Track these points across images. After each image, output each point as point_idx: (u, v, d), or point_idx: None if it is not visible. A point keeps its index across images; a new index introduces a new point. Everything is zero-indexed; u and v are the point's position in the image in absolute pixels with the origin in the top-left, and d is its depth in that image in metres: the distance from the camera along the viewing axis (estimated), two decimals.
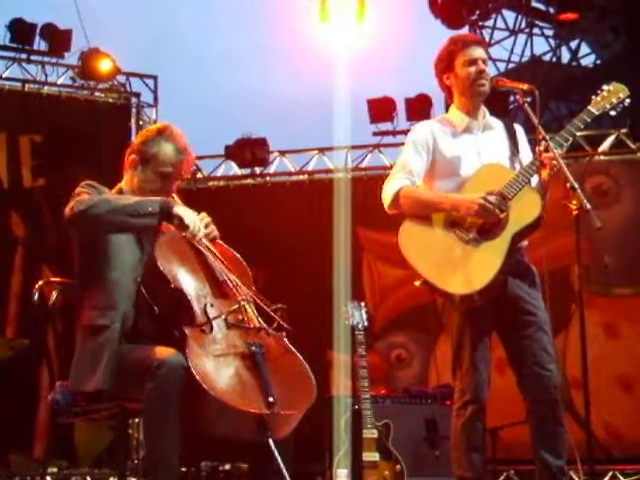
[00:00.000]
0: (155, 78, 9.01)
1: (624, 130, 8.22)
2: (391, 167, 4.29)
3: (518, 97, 3.87)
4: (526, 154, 4.01)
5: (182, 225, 3.39)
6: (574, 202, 3.59)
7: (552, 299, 3.78)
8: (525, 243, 3.90)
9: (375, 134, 8.84)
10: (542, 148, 3.70)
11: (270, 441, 3.15)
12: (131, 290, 3.49)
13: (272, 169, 9.00)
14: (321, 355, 7.59)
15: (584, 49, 12.27)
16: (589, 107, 3.87)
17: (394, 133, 8.77)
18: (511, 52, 12.25)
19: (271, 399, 3.19)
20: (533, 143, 3.89)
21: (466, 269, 3.72)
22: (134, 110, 8.85)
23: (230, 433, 3.26)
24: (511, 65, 12.29)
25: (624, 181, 7.99)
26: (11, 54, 8.45)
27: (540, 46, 12.14)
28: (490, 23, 12.25)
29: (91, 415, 3.61)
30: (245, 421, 3.15)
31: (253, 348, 3.33)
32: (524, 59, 12.07)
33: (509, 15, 12.35)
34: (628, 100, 3.89)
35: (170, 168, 3.60)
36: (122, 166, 3.71)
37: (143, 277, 3.50)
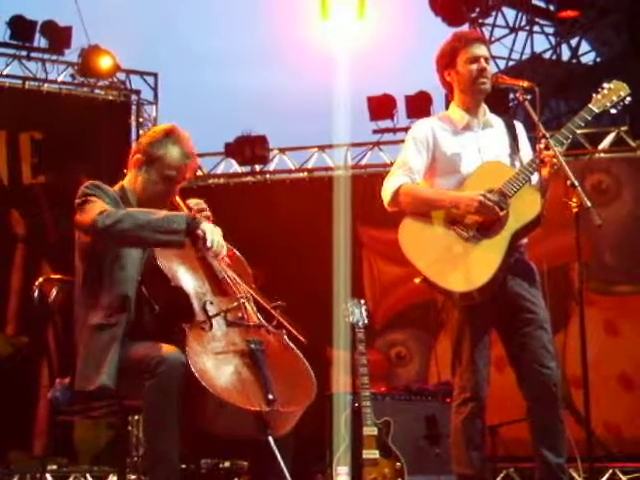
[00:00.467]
0: (155, 75, 9.01)
1: (624, 128, 8.21)
2: (391, 165, 4.29)
3: (518, 94, 3.87)
4: (526, 152, 4.01)
5: (205, 246, 3.37)
6: (574, 200, 3.59)
7: (552, 297, 3.77)
8: (525, 241, 3.90)
9: (375, 131, 8.83)
10: (542, 146, 3.70)
11: (270, 438, 3.16)
12: (134, 288, 3.49)
13: (272, 167, 9.00)
14: (321, 352, 7.59)
15: (584, 47, 12.28)
16: (589, 105, 3.87)
17: (394, 130, 8.76)
18: (511, 50, 12.23)
19: (271, 396, 3.19)
20: (533, 141, 3.89)
21: (466, 266, 3.72)
22: (134, 107, 8.86)
23: (230, 430, 3.27)
24: (511, 63, 12.28)
25: (624, 179, 7.98)
26: (11, 51, 8.45)
27: (540, 44, 12.13)
28: (490, 20, 12.23)
29: (91, 412, 3.62)
30: (245, 418, 3.16)
31: (253, 346, 3.34)
32: (524, 57, 12.05)
33: (509, 12, 12.34)
34: (629, 98, 3.89)
35: (174, 172, 3.58)
36: (122, 163, 3.71)
37: (143, 275, 3.51)
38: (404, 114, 8.64)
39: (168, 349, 3.24)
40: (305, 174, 8.93)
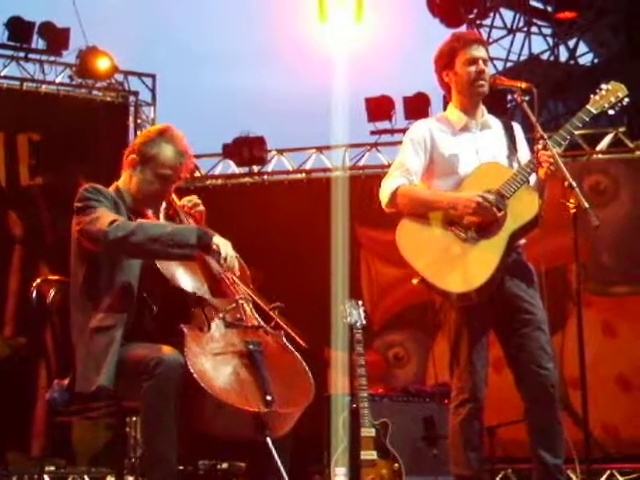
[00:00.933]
0: (153, 77, 9.01)
1: (622, 129, 8.23)
2: (389, 166, 4.29)
3: (516, 95, 3.86)
4: (524, 153, 4.00)
5: (219, 260, 3.38)
6: (572, 201, 3.59)
7: (549, 298, 3.78)
8: (523, 241, 3.90)
9: (373, 133, 8.84)
10: (540, 147, 3.70)
11: (268, 439, 3.16)
12: (133, 290, 3.49)
13: (270, 168, 9.00)
14: (319, 353, 7.59)
15: (582, 48, 12.27)
16: (587, 106, 3.86)
17: (392, 132, 8.77)
18: (509, 51, 12.24)
19: (269, 397, 3.19)
20: (531, 142, 3.89)
21: (464, 267, 3.72)
22: (132, 109, 8.86)
23: (228, 431, 3.27)
24: (509, 64, 12.28)
25: (622, 180, 7.99)
26: (9, 52, 8.46)
27: (538, 45, 12.13)
28: (488, 22, 12.24)
29: (89, 413, 3.61)
30: (243, 419, 3.16)
31: (251, 346, 3.34)
32: (522, 58, 12.05)
33: (507, 14, 12.36)
34: (627, 99, 3.89)
35: (169, 171, 3.59)
36: (120, 165, 3.70)
37: (142, 276, 3.51)
38: (402, 115, 8.67)
39: (166, 350, 3.24)
40: (303, 175, 8.94)
